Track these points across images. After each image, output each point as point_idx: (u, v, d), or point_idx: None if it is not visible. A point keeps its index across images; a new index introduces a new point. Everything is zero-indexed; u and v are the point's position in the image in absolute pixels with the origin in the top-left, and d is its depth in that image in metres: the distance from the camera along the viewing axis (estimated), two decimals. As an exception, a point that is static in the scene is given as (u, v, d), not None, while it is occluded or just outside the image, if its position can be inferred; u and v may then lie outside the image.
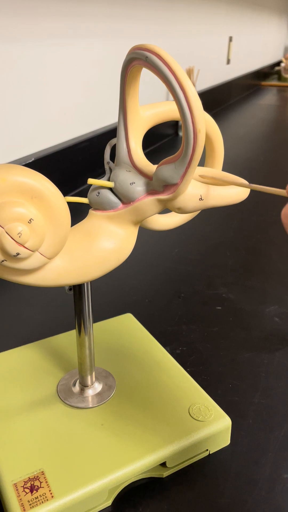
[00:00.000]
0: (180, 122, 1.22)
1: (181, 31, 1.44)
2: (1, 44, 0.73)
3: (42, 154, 0.85)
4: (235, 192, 0.31)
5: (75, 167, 0.96)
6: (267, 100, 2.25)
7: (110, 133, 1.06)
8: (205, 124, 0.26)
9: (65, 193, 0.94)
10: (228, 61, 2.04)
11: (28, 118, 0.82)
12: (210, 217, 0.86)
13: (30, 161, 0.81)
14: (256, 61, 2.62)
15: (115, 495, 0.34)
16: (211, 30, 1.73)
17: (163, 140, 1.42)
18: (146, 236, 0.77)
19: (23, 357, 0.44)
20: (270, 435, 0.40)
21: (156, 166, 0.31)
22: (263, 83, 2.79)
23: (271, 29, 2.92)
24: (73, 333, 0.48)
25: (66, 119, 0.94)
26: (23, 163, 0.80)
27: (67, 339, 0.47)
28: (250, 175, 1.10)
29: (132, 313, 0.56)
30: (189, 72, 1.46)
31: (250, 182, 0.34)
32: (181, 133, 1.49)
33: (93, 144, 1.00)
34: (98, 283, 0.63)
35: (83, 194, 0.96)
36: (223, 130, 1.56)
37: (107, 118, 1.09)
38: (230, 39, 2.00)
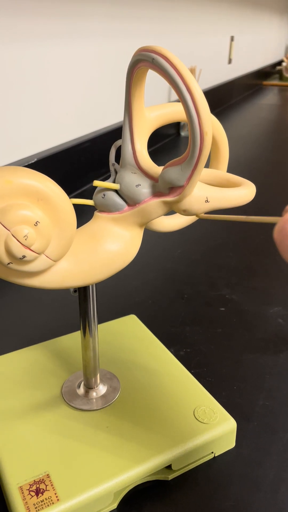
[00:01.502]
0: (182, 122, 1.20)
1: (182, 30, 1.43)
2: (2, 44, 0.73)
3: (45, 154, 0.85)
4: (241, 194, 0.31)
5: (77, 167, 0.96)
6: (269, 99, 2.25)
7: (113, 133, 1.06)
8: (211, 126, 0.26)
9: (67, 194, 0.94)
10: (230, 61, 2.04)
11: (30, 119, 0.82)
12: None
13: (33, 161, 0.81)
14: (257, 61, 2.61)
15: (121, 498, 0.34)
16: (212, 30, 1.72)
17: (165, 140, 1.42)
18: (148, 237, 0.77)
19: (28, 358, 0.44)
20: (275, 437, 0.40)
21: (161, 168, 0.31)
22: (265, 82, 2.78)
23: (273, 28, 2.92)
24: (77, 334, 0.48)
25: (68, 120, 0.94)
26: (26, 164, 0.80)
27: (71, 340, 0.47)
28: (251, 175, 1.10)
29: (135, 314, 0.56)
30: (191, 72, 1.46)
31: (253, 182, 0.33)
32: (183, 133, 1.49)
33: (95, 145, 1.00)
34: (101, 284, 0.62)
35: (86, 194, 0.96)
36: (225, 130, 1.56)
37: (109, 118, 1.09)
38: (232, 38, 2.00)
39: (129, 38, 1.11)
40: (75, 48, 0.91)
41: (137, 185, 0.30)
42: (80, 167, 0.97)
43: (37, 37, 0.80)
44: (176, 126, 1.48)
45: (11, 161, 0.80)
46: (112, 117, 1.10)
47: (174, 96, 1.45)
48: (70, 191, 0.95)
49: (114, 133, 1.07)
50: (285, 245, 0.20)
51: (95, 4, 0.94)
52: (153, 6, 1.21)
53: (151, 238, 0.77)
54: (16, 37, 0.75)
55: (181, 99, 0.25)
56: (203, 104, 0.25)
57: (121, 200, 0.31)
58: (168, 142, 1.40)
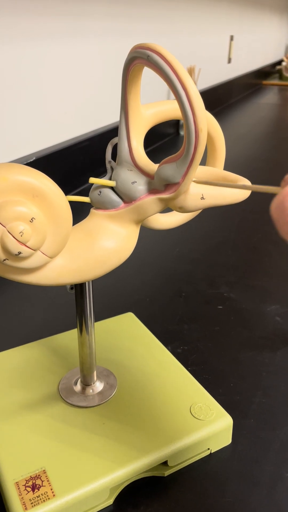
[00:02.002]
0: (181, 121, 1.21)
1: (182, 30, 1.43)
2: (2, 44, 0.73)
3: (43, 153, 0.85)
4: (237, 191, 0.31)
5: (76, 166, 0.96)
6: (268, 99, 2.25)
7: (111, 132, 1.06)
8: (206, 123, 0.26)
9: (66, 192, 0.94)
10: (229, 60, 2.04)
11: (29, 117, 0.82)
12: (211, 216, 0.86)
13: (31, 160, 0.81)
14: (257, 60, 2.61)
15: (117, 494, 0.34)
16: (212, 29, 1.72)
17: (164, 139, 1.42)
18: (147, 235, 0.77)
19: (25, 356, 0.44)
20: (272, 434, 0.40)
21: (157, 165, 0.31)
22: (264, 82, 2.78)
23: (272, 27, 2.92)
24: (74, 332, 0.48)
25: (67, 118, 0.94)
26: (24, 162, 0.80)
27: (68, 338, 0.47)
28: (251, 174, 1.10)
29: (133, 312, 0.56)
30: (190, 71, 1.46)
31: (252, 181, 0.33)
32: (182, 132, 1.49)
33: (93, 143, 1.00)
34: (99, 282, 0.63)
35: (84, 193, 0.96)
36: (224, 129, 1.56)
37: (108, 117, 1.09)
38: (231, 38, 2.00)
39: (128, 37, 1.11)
40: (75, 47, 0.91)
41: (133, 182, 0.31)
42: (78, 166, 0.97)
43: (37, 36, 0.80)
44: (175, 125, 1.48)
45: (10, 160, 0.80)
46: (111, 116, 1.10)
47: (173, 96, 1.45)
48: (69, 190, 0.96)
49: (113, 132, 1.07)
50: (283, 221, 0.18)
51: (94, 3, 0.95)
52: (153, 5, 1.21)
53: (149, 236, 0.77)
54: (16, 36, 0.75)
55: (176, 96, 0.26)
56: (198, 101, 0.25)
57: (117, 197, 0.31)
58: (167, 141, 1.40)
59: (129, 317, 0.51)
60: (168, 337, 0.52)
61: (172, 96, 1.43)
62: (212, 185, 0.30)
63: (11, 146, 0.79)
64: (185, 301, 0.59)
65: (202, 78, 1.68)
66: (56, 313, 0.57)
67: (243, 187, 0.27)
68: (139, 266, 0.68)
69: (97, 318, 0.54)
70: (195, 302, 0.59)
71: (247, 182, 0.32)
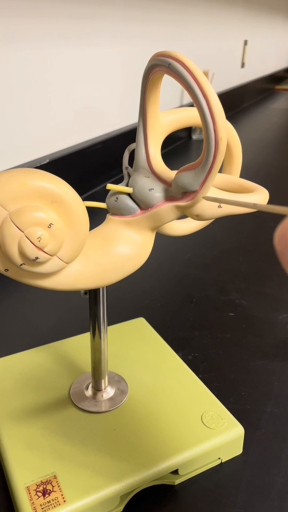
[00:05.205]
0: (194, 126, 1.20)
1: (196, 34, 1.44)
2: (17, 44, 0.73)
3: (57, 155, 0.85)
4: (253, 200, 0.31)
5: (89, 169, 0.96)
6: (281, 104, 2.24)
7: (124, 135, 1.06)
8: (226, 133, 0.26)
9: (78, 195, 0.94)
10: (243, 65, 2.04)
11: (43, 120, 0.83)
12: (223, 221, 0.85)
13: (45, 162, 0.82)
14: (270, 65, 2.61)
15: (127, 502, 0.34)
16: (226, 34, 1.72)
17: (177, 143, 1.42)
18: (158, 240, 0.77)
19: (36, 359, 0.44)
20: (283, 444, 0.40)
21: (175, 172, 0.31)
22: (277, 87, 2.77)
23: (286, 32, 2.91)
24: (86, 336, 0.48)
25: (81, 121, 0.94)
26: (38, 164, 0.80)
27: (80, 342, 0.47)
28: (263, 180, 1.09)
29: (144, 317, 0.56)
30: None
31: (263, 186, 0.33)
32: (194, 136, 1.49)
33: (107, 146, 1.00)
34: (111, 287, 0.63)
35: (96, 196, 0.96)
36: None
37: (121, 120, 1.09)
38: (245, 42, 2.00)
39: (143, 41, 1.12)
40: (90, 50, 0.92)
41: (150, 189, 0.31)
42: (91, 168, 0.97)
43: (50, 39, 0.80)
44: (187, 129, 1.48)
45: (24, 161, 0.80)
46: (125, 119, 1.11)
47: (186, 100, 1.45)
48: (81, 193, 0.96)
49: (126, 136, 1.07)
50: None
51: (108, 7, 0.95)
52: (166, 9, 1.21)
53: (161, 241, 0.77)
54: (28, 39, 0.76)
55: (197, 104, 0.25)
56: (219, 111, 0.25)
57: (134, 203, 0.31)
58: (179, 145, 1.40)
59: (141, 322, 0.51)
60: (178, 343, 0.52)
61: (185, 100, 1.43)
62: (222, 202, 0.29)
63: (25, 147, 0.80)
64: (196, 307, 0.59)
65: (215, 82, 1.68)
66: (68, 316, 0.57)
67: (254, 206, 0.26)
68: (150, 270, 0.68)
69: (108, 323, 0.54)
70: (206, 309, 0.59)
71: (263, 191, 0.32)
